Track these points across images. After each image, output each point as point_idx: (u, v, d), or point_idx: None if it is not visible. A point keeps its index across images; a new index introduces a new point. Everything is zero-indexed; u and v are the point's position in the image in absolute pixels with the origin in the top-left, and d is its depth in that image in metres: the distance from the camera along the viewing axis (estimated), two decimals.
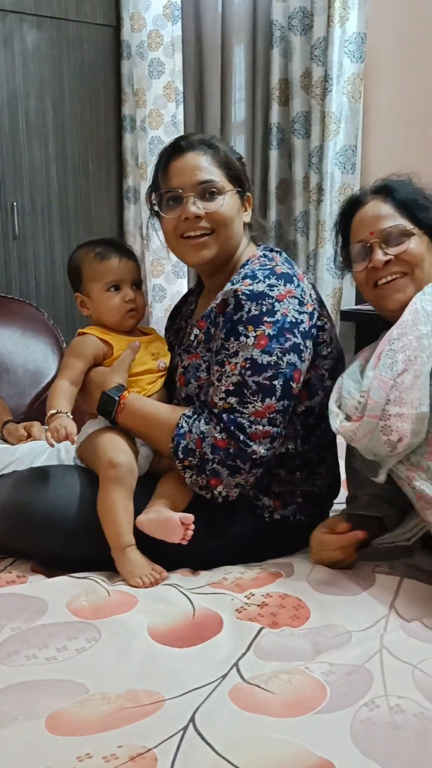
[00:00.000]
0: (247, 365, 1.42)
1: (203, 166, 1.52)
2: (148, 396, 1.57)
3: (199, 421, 1.45)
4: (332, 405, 1.42)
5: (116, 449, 1.47)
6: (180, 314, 1.82)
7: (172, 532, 1.37)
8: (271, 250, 1.60)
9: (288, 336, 1.44)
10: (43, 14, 3.05)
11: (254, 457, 1.41)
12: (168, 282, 3.07)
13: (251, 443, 1.41)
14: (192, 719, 0.95)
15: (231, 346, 1.45)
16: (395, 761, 0.87)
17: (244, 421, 1.40)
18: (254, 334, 1.43)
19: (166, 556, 1.41)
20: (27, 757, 0.88)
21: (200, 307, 1.71)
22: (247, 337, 1.43)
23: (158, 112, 3.03)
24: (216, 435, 1.41)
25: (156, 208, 1.58)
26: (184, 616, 1.23)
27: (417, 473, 1.34)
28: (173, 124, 3.03)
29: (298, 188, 2.81)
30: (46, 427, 2.17)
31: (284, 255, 1.59)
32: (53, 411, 1.46)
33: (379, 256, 1.44)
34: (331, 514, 1.68)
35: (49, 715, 0.96)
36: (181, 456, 1.44)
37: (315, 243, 2.80)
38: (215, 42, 3.00)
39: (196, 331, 1.59)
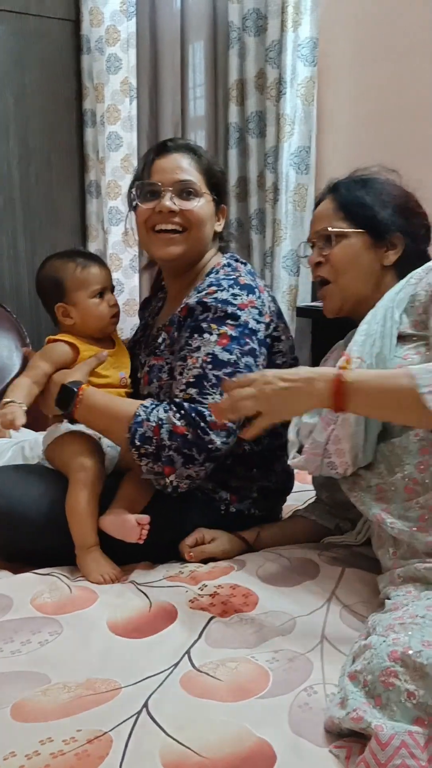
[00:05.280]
0: (209, 359, 1.48)
1: (185, 167, 1.60)
2: None
3: (157, 410, 1.48)
4: (290, 432, 1.45)
5: (86, 453, 1.54)
6: (149, 308, 1.87)
7: (129, 533, 1.45)
8: (236, 260, 1.66)
9: (247, 340, 1.51)
10: (2, 8, 3.05)
11: (210, 447, 1.44)
12: (126, 276, 3.13)
13: (210, 432, 1.44)
14: (145, 704, 1.03)
15: (194, 342, 1.50)
16: (323, 738, 0.97)
17: (205, 410, 1.44)
18: (217, 332, 1.49)
19: (127, 549, 1.48)
20: None
21: (166, 309, 1.76)
22: (211, 334, 1.49)
23: (116, 107, 3.06)
24: (175, 422, 1.44)
25: (135, 201, 1.64)
26: (141, 609, 1.31)
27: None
28: (129, 119, 3.07)
29: (253, 187, 2.87)
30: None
31: (248, 266, 1.66)
32: (6, 400, 1.51)
33: (313, 256, 1.52)
34: (284, 509, 1.79)
35: (13, 704, 1.04)
36: (138, 443, 1.46)
37: (271, 241, 2.87)
38: (172, 38, 3.04)
39: (164, 335, 1.66)
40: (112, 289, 1.69)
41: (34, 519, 1.52)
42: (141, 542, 1.46)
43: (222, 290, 1.54)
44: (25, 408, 1.52)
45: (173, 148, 1.62)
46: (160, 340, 1.66)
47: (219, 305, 1.51)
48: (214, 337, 1.49)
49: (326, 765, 0.93)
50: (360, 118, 2.60)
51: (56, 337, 1.65)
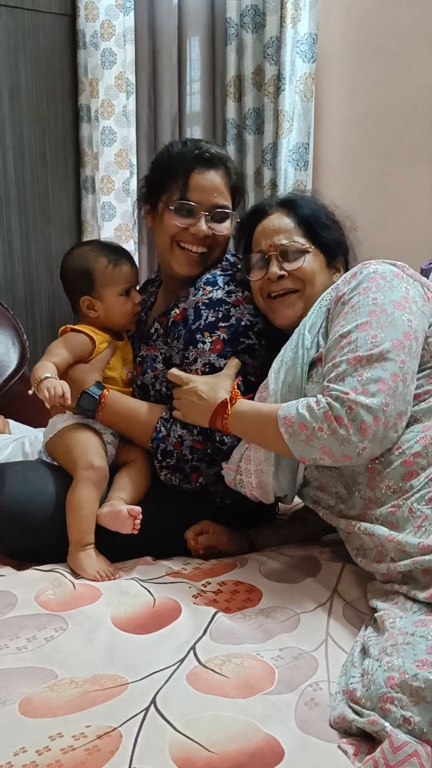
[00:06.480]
0: (207, 370, 1.51)
1: (221, 189, 1.60)
2: None
3: (176, 425, 1.53)
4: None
5: (94, 452, 1.54)
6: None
7: (123, 524, 1.46)
8: (234, 255, 1.68)
9: (242, 339, 1.53)
10: None
11: (224, 447, 1.50)
12: None
13: (226, 440, 1.49)
14: (153, 700, 1.03)
15: (190, 354, 1.53)
16: (329, 734, 0.98)
17: None
18: (210, 340, 1.52)
19: (126, 545, 1.50)
20: (3, 739, 0.96)
21: (159, 300, 1.78)
22: (204, 343, 1.52)
23: (110, 102, 3.05)
24: (194, 438, 1.51)
25: (145, 200, 1.67)
26: (145, 605, 1.32)
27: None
28: (124, 115, 3.06)
29: (250, 183, 2.88)
30: (10, 420, 2.23)
31: None
32: (44, 376, 1.47)
33: (275, 269, 1.49)
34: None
35: (21, 700, 1.04)
36: (160, 458, 1.54)
37: None
38: (170, 34, 3.03)
39: (156, 325, 1.68)
40: (136, 285, 1.70)
41: (34, 518, 1.52)
42: (135, 533, 1.46)
43: (217, 289, 1.56)
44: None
45: (211, 163, 1.60)
46: (152, 330, 1.68)
47: (210, 310, 1.53)
48: (207, 345, 1.52)
49: (334, 760, 0.93)
50: (358, 114, 2.61)
51: (77, 327, 1.64)
